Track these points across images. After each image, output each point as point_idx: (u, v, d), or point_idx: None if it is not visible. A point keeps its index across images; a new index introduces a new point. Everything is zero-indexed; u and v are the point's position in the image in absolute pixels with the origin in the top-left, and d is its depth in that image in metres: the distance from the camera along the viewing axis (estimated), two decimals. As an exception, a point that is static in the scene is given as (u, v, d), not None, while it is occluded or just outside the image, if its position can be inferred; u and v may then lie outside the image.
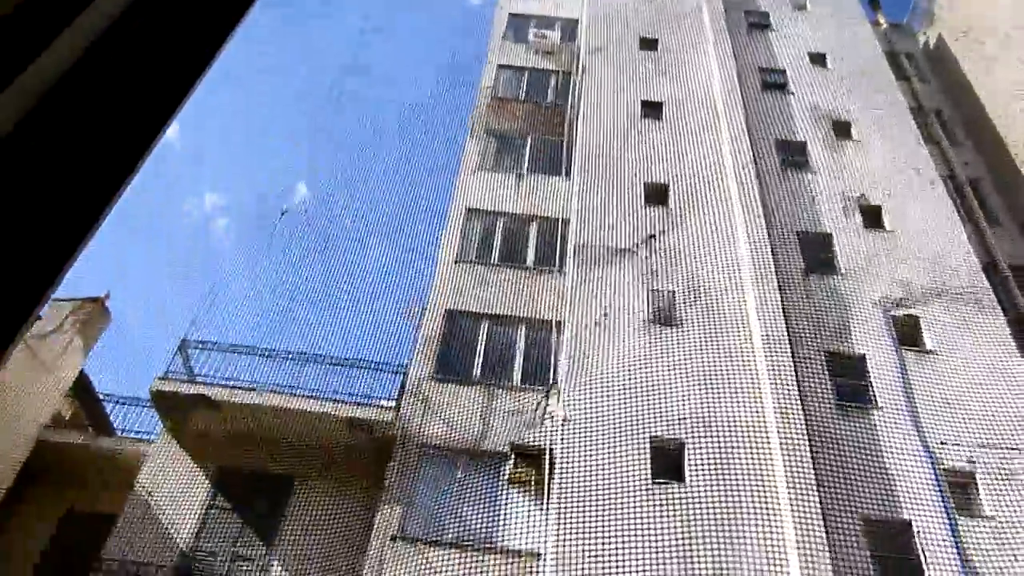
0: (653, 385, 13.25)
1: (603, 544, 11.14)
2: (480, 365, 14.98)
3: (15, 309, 0.83)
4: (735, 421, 12.65)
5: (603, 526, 11.35)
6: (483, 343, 15.35)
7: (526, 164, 19.61)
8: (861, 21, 23.50)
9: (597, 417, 12.78)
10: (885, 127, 19.29)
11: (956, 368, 13.86)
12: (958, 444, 12.68)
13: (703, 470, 12.06)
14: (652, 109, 19.51)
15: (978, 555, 11.39)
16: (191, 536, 13.16)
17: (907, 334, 14.57)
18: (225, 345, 15.16)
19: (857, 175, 17.89)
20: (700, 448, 12.33)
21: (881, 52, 22.29)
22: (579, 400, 13.08)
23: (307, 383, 14.65)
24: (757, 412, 12.74)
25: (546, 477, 12.58)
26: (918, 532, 11.66)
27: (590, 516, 11.49)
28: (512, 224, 17.87)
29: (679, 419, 12.71)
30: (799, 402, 12.80)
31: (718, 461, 12.15)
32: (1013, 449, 12.60)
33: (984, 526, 11.78)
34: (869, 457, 12.49)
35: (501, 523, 12.66)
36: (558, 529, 11.39)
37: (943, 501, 11.97)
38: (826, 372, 13.73)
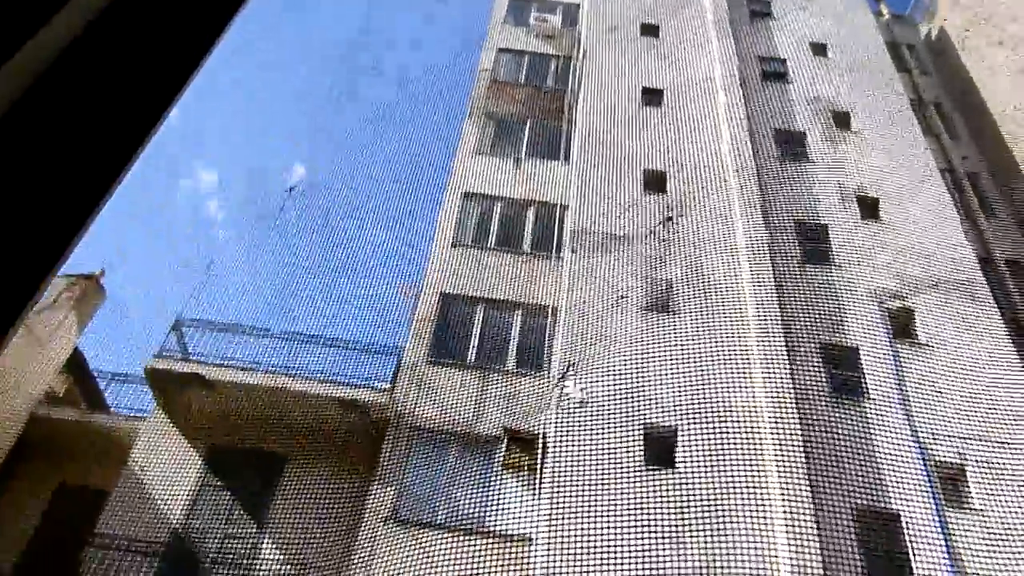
0: (647, 372, 13.28)
1: (595, 529, 11.19)
2: (475, 349, 14.99)
3: (15, 295, 0.82)
4: (728, 409, 12.69)
5: (595, 511, 11.40)
6: (479, 327, 15.35)
7: (524, 148, 19.54)
8: (863, 11, 23.38)
9: (591, 402, 12.81)
10: (885, 119, 19.25)
11: (949, 362, 13.90)
12: (949, 437, 12.75)
13: (695, 457, 12.12)
14: (652, 96, 19.43)
15: (966, 548, 11.47)
16: (183, 513, 13.20)
17: (901, 326, 14.61)
18: (220, 324, 15.15)
19: (855, 166, 17.87)
20: (693, 435, 12.38)
21: (883, 43, 22.19)
22: (573, 385, 13.10)
23: (301, 364, 14.65)
24: (750, 401, 12.78)
25: (539, 462, 12.62)
26: (907, 524, 11.73)
27: (582, 501, 11.54)
28: (509, 208, 17.83)
29: (672, 406, 12.75)
30: (792, 392, 12.84)
31: (710, 448, 12.20)
32: (1003, 443, 12.66)
33: (973, 519, 11.85)
34: (860, 448, 12.55)
35: (493, 507, 12.71)
36: (550, 513, 11.44)
37: (932, 494, 12.04)
38: (820, 362, 13.77)
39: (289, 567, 12.56)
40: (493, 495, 12.89)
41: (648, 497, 11.58)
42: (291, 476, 13.62)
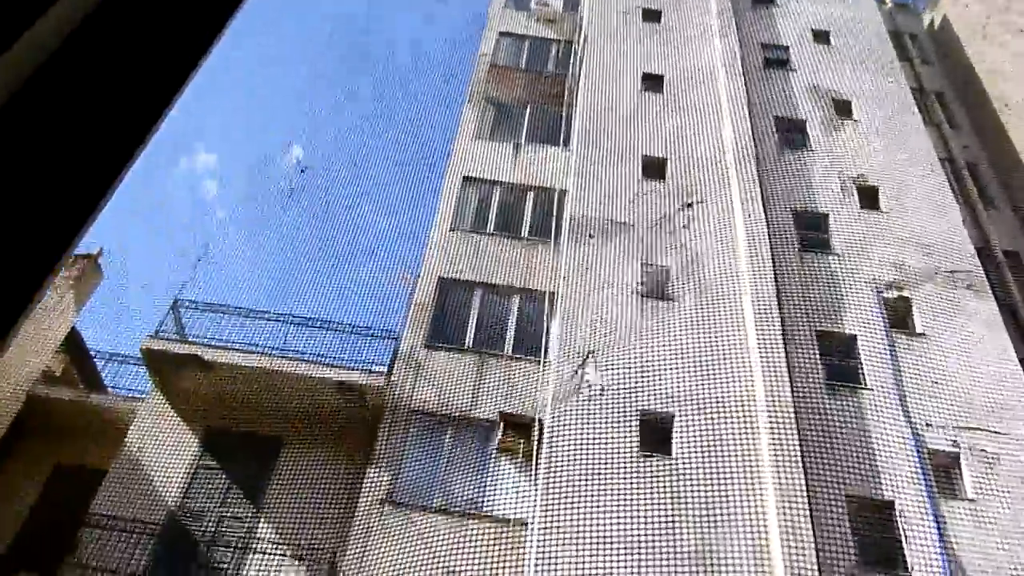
0: (644, 358, 13.30)
1: (589, 514, 11.25)
2: (473, 333, 15.00)
3: (15, 295, 0.81)
4: (724, 396, 12.73)
5: (590, 496, 11.46)
6: (476, 312, 15.35)
7: (524, 134, 19.47)
8: (866, -1, 23.27)
9: (588, 388, 12.84)
10: (886, 108, 19.19)
11: (945, 351, 13.93)
12: (943, 427, 12.80)
13: (691, 443, 12.16)
14: (653, 82, 19.35)
15: (958, 537, 11.54)
16: (179, 494, 13.23)
17: (898, 316, 14.63)
18: (218, 306, 15.14)
19: (856, 155, 17.83)
20: (688, 422, 12.43)
21: (885, 32, 22.09)
22: (570, 371, 13.12)
23: (299, 346, 14.67)
24: (746, 388, 12.81)
25: (535, 446, 12.66)
26: (900, 512, 11.80)
27: (577, 486, 11.59)
28: (508, 194, 17.79)
29: (669, 393, 12.79)
30: (788, 379, 12.87)
31: (706, 435, 12.24)
32: (996, 432, 12.72)
33: (966, 508, 11.92)
34: (855, 437, 12.60)
35: (489, 491, 12.76)
36: (545, 498, 11.49)
37: (926, 483, 12.10)
38: (817, 351, 13.79)
39: (285, 549, 12.61)
40: (489, 479, 12.93)
41: (643, 482, 11.63)
42: (287, 459, 13.65)
